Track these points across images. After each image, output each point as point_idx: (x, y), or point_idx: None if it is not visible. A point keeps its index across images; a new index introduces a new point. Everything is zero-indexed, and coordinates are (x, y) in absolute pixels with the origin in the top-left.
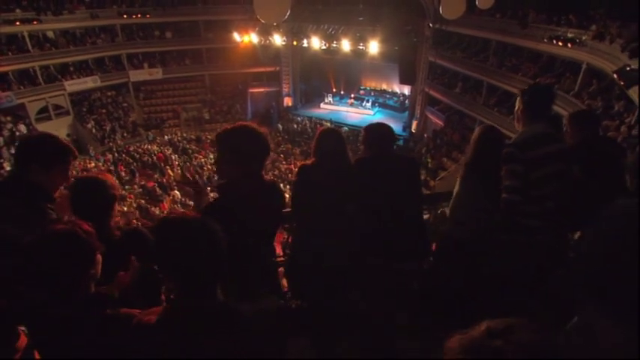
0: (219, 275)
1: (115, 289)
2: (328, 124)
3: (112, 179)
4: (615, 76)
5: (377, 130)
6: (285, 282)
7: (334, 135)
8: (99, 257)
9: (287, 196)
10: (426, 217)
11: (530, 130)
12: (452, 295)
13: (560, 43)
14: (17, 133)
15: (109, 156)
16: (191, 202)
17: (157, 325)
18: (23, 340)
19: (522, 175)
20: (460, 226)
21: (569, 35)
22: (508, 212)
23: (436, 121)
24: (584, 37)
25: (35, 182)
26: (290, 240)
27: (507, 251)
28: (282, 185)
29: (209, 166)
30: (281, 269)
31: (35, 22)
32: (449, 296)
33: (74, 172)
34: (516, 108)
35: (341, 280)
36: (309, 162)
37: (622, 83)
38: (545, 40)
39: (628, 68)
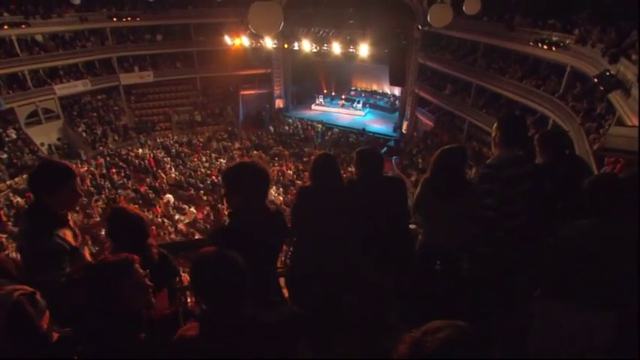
0: (245, 294)
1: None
2: (319, 126)
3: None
4: (596, 80)
5: (367, 153)
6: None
7: (328, 159)
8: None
9: (280, 199)
10: (413, 227)
11: (505, 153)
12: (441, 298)
13: (545, 47)
14: (7, 139)
15: (101, 160)
16: (185, 206)
17: (198, 337)
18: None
19: (499, 194)
20: (430, 232)
21: (554, 39)
22: (486, 227)
23: (426, 121)
24: (567, 41)
25: (48, 207)
26: (289, 252)
27: (488, 261)
28: (274, 188)
29: (202, 170)
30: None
31: (23, 26)
32: (439, 299)
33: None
34: (493, 135)
35: (337, 286)
36: (306, 184)
37: (602, 88)
38: (531, 43)
39: (608, 73)
